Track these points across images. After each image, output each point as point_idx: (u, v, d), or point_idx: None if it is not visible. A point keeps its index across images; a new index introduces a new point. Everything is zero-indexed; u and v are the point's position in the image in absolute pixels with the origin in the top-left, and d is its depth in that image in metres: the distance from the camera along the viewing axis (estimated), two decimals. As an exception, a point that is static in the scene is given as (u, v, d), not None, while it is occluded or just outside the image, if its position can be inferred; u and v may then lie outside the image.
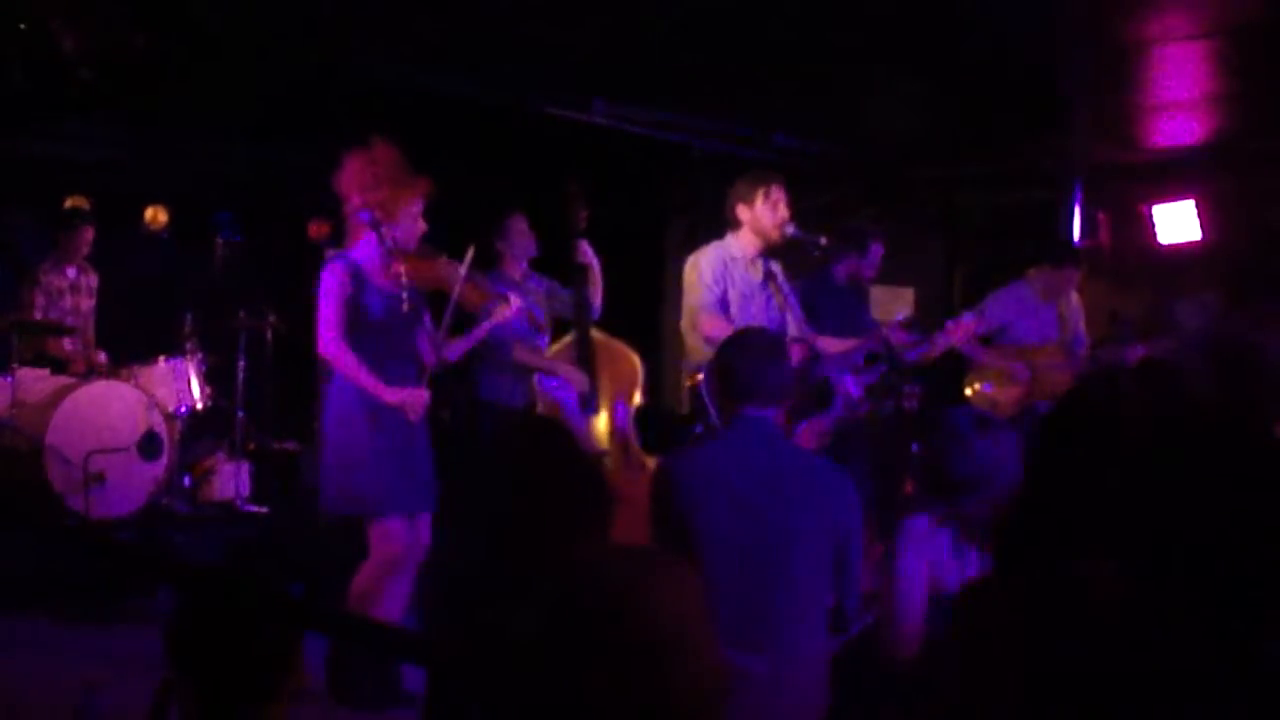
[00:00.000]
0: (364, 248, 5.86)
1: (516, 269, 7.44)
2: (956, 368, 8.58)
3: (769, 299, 6.72)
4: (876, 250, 8.01)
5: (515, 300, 6.53)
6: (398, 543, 5.77)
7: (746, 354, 4.34)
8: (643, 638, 2.70)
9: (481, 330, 6.56)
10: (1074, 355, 8.54)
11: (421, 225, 5.92)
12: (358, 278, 5.77)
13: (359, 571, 5.80)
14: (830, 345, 6.99)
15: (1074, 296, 8.79)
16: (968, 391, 8.58)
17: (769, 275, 6.77)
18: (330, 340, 5.74)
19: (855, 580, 4.25)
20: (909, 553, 4.46)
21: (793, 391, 4.36)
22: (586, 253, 7.18)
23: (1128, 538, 1.96)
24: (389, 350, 5.84)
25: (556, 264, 7.40)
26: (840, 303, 7.81)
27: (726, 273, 6.58)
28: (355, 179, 5.81)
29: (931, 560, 4.47)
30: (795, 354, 6.61)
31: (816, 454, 4.24)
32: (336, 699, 5.72)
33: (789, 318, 6.76)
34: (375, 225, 5.76)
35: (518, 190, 7.83)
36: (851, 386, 7.01)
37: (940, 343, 7.38)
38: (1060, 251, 8.94)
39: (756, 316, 6.57)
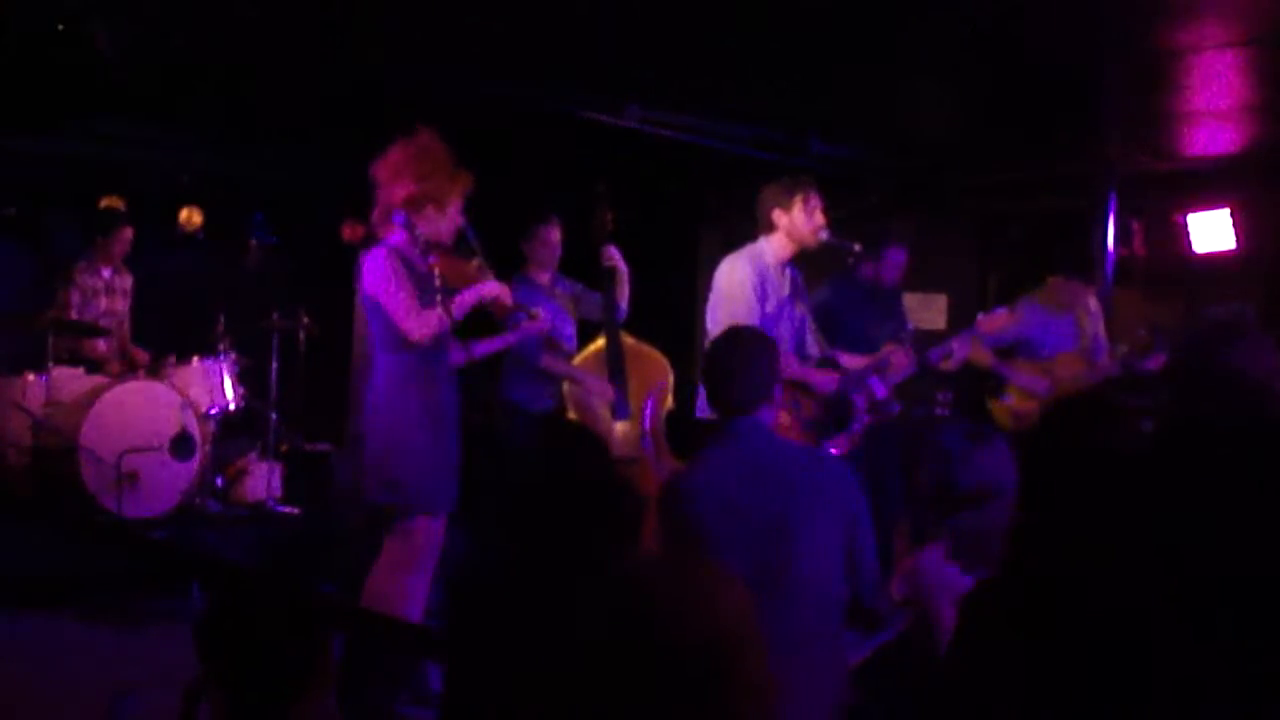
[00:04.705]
0: (399, 240, 5.79)
1: (543, 273, 7.44)
2: (987, 375, 8.53)
3: (793, 311, 6.70)
4: (894, 255, 7.96)
5: (543, 314, 6.51)
6: (419, 540, 5.74)
7: (722, 361, 4.36)
8: (697, 646, 2.69)
9: (508, 339, 6.56)
10: (1094, 364, 8.45)
11: (459, 220, 5.91)
12: (406, 262, 5.72)
13: (375, 569, 5.75)
14: (847, 362, 6.97)
15: (1092, 303, 8.69)
16: (989, 404, 8.53)
17: (795, 289, 6.75)
18: (415, 320, 5.62)
19: (870, 569, 4.25)
20: (933, 587, 4.46)
21: (773, 387, 4.34)
22: (615, 257, 7.18)
23: (1123, 544, 1.96)
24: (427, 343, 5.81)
25: (585, 267, 7.40)
26: (861, 308, 7.78)
27: (765, 285, 6.55)
28: (408, 166, 5.76)
29: (948, 586, 4.47)
30: (829, 380, 6.62)
31: (810, 447, 4.24)
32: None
33: (807, 332, 6.76)
34: (409, 225, 5.74)
35: (551, 195, 7.83)
36: (878, 388, 6.99)
37: (962, 342, 7.36)
38: (1073, 262, 8.85)
39: (783, 332, 6.55)
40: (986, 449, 4.14)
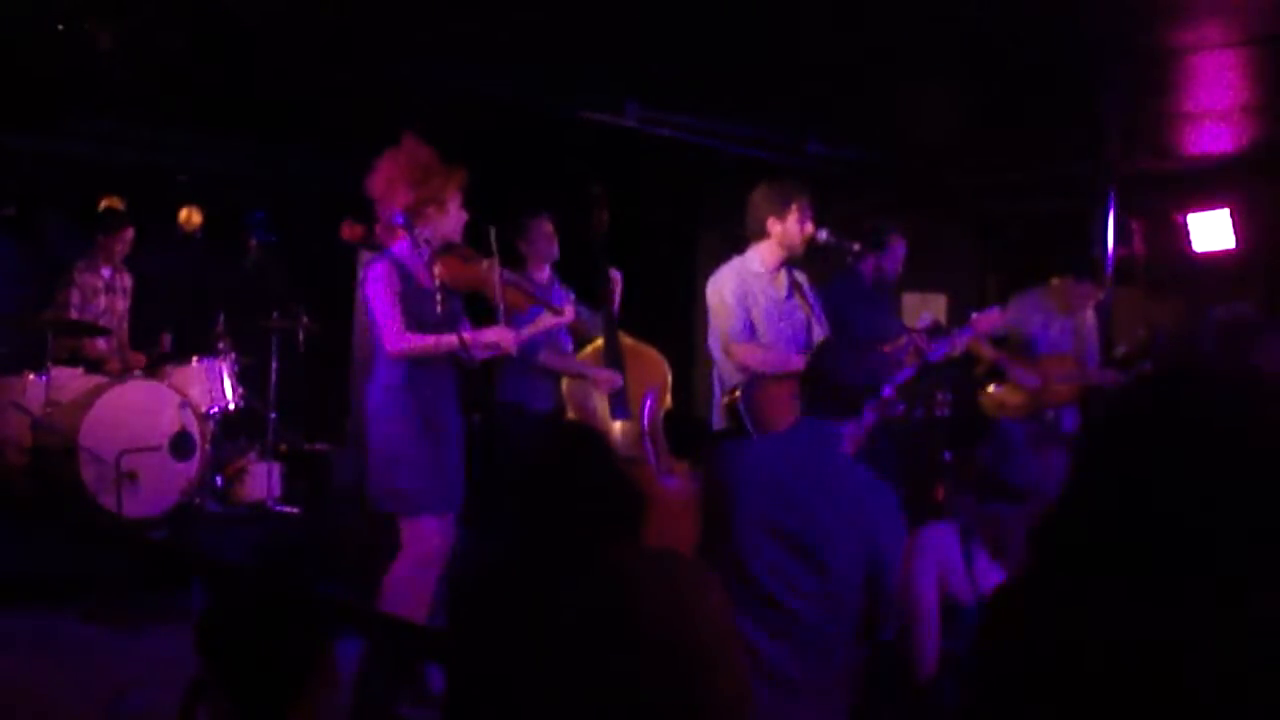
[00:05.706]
0: (401, 247, 5.82)
1: (540, 273, 7.42)
2: (988, 376, 8.54)
3: (794, 310, 6.67)
4: (897, 247, 7.97)
5: (569, 310, 6.54)
6: (432, 541, 5.73)
7: (822, 362, 4.41)
8: (686, 641, 2.69)
9: (537, 331, 6.56)
10: (1085, 370, 8.47)
11: (464, 214, 5.92)
12: (403, 274, 5.74)
13: (391, 570, 5.75)
14: None
15: (1090, 314, 8.70)
16: (979, 393, 8.55)
17: (795, 286, 6.73)
18: (394, 335, 5.67)
19: (889, 602, 4.23)
20: (922, 561, 4.48)
21: (856, 401, 4.37)
22: (616, 280, 7.13)
23: (1161, 551, 1.95)
24: None
25: (579, 268, 7.37)
26: (868, 305, 7.78)
27: (747, 293, 6.53)
28: (400, 176, 5.76)
29: (940, 563, 4.49)
30: None
31: (874, 473, 4.25)
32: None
33: (815, 328, 6.73)
34: (410, 228, 5.74)
35: (546, 195, 7.82)
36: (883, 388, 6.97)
37: (960, 339, 7.35)
38: (1081, 265, 8.85)
39: (783, 331, 6.54)
40: (1043, 454, 4.22)
